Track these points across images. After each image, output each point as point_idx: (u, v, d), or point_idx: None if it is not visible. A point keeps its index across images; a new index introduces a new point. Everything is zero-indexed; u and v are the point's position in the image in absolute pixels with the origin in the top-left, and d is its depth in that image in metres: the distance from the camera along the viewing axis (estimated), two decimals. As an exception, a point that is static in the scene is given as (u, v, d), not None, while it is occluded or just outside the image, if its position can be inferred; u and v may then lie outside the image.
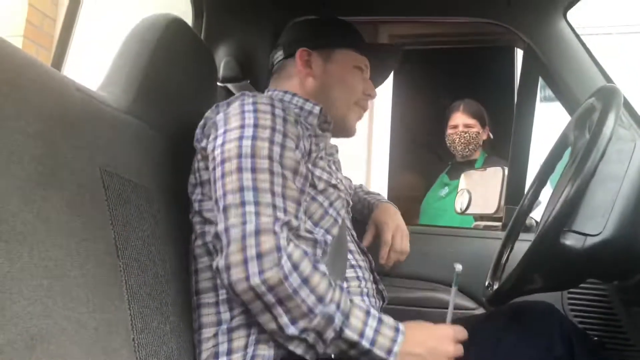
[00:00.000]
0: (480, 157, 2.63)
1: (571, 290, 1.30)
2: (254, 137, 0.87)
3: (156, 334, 0.75)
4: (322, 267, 0.85)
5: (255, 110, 0.90)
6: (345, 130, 1.19)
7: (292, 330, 0.80)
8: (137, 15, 1.03)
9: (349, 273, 1.03)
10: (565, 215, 0.80)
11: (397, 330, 0.86)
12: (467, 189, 1.72)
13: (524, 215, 1.16)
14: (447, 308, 0.98)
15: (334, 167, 1.10)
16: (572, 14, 1.35)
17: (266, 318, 0.81)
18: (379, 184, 3.04)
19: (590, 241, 0.82)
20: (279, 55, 1.18)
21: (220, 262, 0.80)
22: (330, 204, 1.01)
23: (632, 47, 2.98)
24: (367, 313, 0.85)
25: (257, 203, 0.83)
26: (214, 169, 0.88)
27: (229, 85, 1.41)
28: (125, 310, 0.69)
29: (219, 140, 0.89)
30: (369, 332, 0.84)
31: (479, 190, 1.69)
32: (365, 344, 0.82)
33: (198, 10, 1.44)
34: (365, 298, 1.04)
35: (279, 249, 0.80)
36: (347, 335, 0.82)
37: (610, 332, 1.26)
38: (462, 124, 2.59)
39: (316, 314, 0.80)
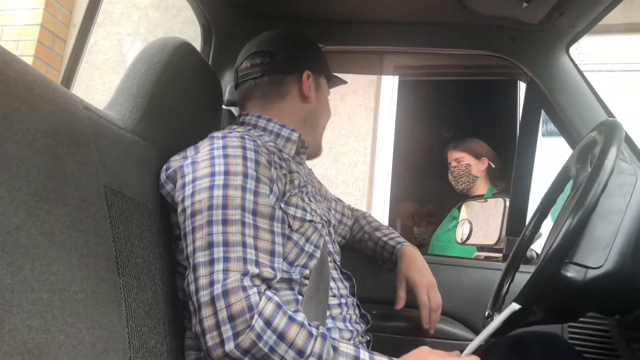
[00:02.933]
0: (488, 192, 2.64)
1: (572, 323, 1.29)
2: (225, 186, 0.84)
3: (152, 353, 0.74)
4: (300, 316, 0.80)
5: (226, 156, 0.88)
6: (316, 154, 1.21)
7: None
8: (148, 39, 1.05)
9: (331, 300, 1.01)
10: (566, 247, 0.80)
11: None
12: (469, 219, 1.72)
13: (524, 247, 1.15)
14: (445, 338, 0.96)
15: (307, 199, 1.04)
16: (576, 52, 1.37)
17: None
18: (380, 211, 3.04)
19: (592, 274, 0.82)
20: (275, 66, 1.11)
21: (196, 326, 0.77)
22: (307, 240, 0.99)
23: (634, 84, 3.01)
24: (356, 358, 0.81)
25: (226, 259, 0.79)
26: (185, 221, 0.84)
27: (233, 109, 1.43)
28: (123, 328, 0.69)
29: (188, 190, 0.86)
30: None
31: (481, 221, 1.69)
32: None
33: (206, 36, 1.46)
34: (349, 324, 1.02)
35: (250, 308, 0.76)
36: None
37: (610, 368, 1.24)
38: (452, 159, 2.69)
39: None
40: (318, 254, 0.99)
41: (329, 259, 1.05)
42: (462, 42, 1.44)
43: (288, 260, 0.95)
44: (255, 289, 0.78)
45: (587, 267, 0.82)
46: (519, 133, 1.51)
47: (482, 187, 2.65)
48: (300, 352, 0.77)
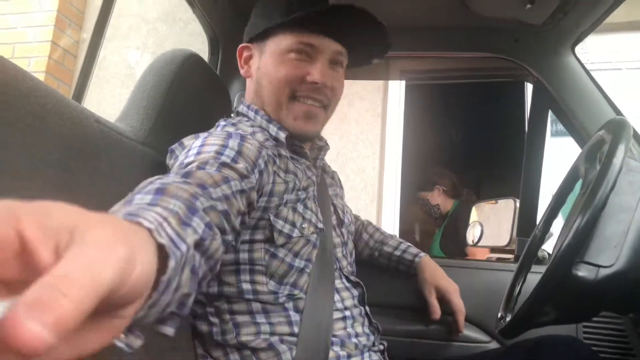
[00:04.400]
0: (453, 206, 3.20)
1: (586, 323, 1.28)
2: (199, 153, 0.76)
3: None
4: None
5: (206, 139, 0.82)
6: (298, 136, 1.00)
7: None
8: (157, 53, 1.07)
9: (334, 315, 0.95)
10: (577, 246, 0.80)
11: None
12: (480, 221, 1.72)
13: (536, 247, 1.15)
14: (459, 341, 0.96)
15: (301, 209, 0.95)
16: (582, 52, 1.37)
17: None
18: (390, 217, 3.04)
19: (603, 272, 0.82)
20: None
21: None
22: (295, 255, 0.92)
23: (640, 81, 3.00)
24: None
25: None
26: None
27: (242, 118, 1.45)
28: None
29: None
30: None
31: (492, 223, 1.69)
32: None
33: (214, 47, 1.48)
34: (354, 339, 0.96)
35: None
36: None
37: (627, 367, 1.23)
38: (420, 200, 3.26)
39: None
40: (309, 269, 0.93)
41: (335, 266, 1.00)
42: (467, 45, 1.45)
43: (275, 278, 0.90)
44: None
45: (599, 266, 0.82)
46: (527, 133, 1.51)
47: (447, 206, 3.22)
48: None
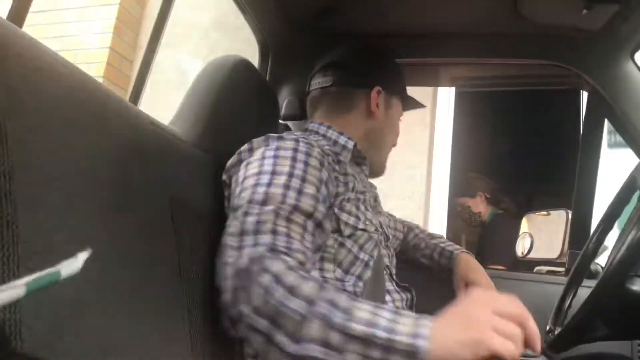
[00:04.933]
0: (490, 215, 3.11)
1: (641, 341, 1.23)
2: (269, 184, 0.83)
3: (213, 356, 0.77)
4: (314, 274, 0.77)
5: (276, 157, 0.87)
6: (378, 173, 1.20)
7: (293, 347, 0.65)
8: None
9: None
10: (632, 259, 0.78)
11: (419, 318, 0.66)
12: (530, 232, 1.68)
13: (588, 260, 1.11)
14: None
15: (362, 208, 1.02)
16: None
17: (260, 341, 0.68)
18: (437, 227, 3.00)
19: (659, 288, 0.79)
20: (346, 78, 1.13)
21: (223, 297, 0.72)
22: (360, 248, 0.97)
23: None
24: (376, 306, 0.67)
25: (255, 244, 0.74)
26: (228, 217, 0.83)
27: (289, 123, 1.47)
28: (185, 332, 0.72)
29: (236, 190, 0.86)
30: (382, 321, 0.64)
31: (542, 234, 1.64)
32: (382, 333, 0.62)
33: (264, 53, 1.51)
34: None
35: (266, 268, 0.69)
36: (355, 330, 0.63)
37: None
38: (457, 207, 3.16)
39: (309, 318, 0.65)
40: (372, 262, 0.98)
41: (386, 271, 1.04)
42: (521, 52, 1.42)
43: (343, 267, 0.95)
44: (280, 255, 0.72)
45: (655, 281, 0.79)
46: (581, 143, 1.46)
47: (487, 213, 3.13)
48: (310, 302, 0.66)
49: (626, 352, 1.22)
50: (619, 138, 2.88)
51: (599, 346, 1.00)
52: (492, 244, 2.93)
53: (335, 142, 1.09)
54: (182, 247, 0.78)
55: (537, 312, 1.27)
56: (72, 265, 0.37)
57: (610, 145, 2.85)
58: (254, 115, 1.15)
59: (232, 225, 0.79)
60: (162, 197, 0.77)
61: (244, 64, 1.11)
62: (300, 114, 1.44)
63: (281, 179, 0.84)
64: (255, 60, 1.46)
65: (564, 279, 1.17)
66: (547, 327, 1.03)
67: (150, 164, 0.77)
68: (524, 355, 1.27)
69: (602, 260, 1.20)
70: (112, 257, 0.61)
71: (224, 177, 0.94)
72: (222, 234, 0.80)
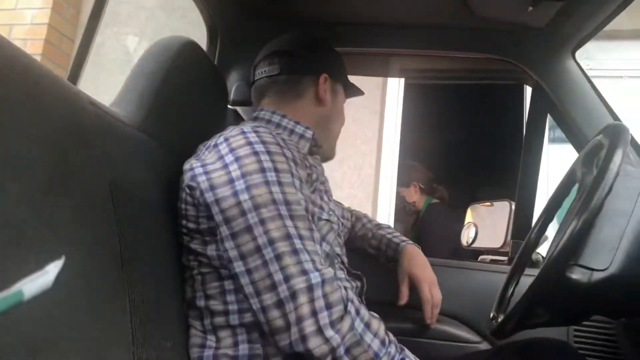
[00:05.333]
0: (425, 204, 3.13)
1: (577, 327, 1.28)
2: (280, 183, 0.85)
3: (157, 349, 0.74)
4: (373, 313, 0.87)
5: (269, 152, 0.87)
6: (330, 157, 1.21)
7: None
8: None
9: None
10: (572, 248, 0.80)
11: None
12: (474, 222, 1.72)
13: (530, 250, 1.15)
14: (450, 340, 0.97)
15: (325, 198, 1.06)
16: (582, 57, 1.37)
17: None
18: (385, 216, 3.04)
19: (597, 276, 0.81)
20: (293, 66, 1.12)
21: (288, 315, 0.78)
22: (322, 239, 0.97)
23: (640, 90, 3.01)
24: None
25: (307, 251, 0.82)
26: (242, 215, 0.82)
27: (238, 108, 1.44)
28: (127, 323, 0.69)
29: (240, 185, 0.83)
30: None
31: (486, 224, 1.69)
32: None
33: (213, 36, 1.47)
34: None
35: (345, 297, 0.81)
36: None
37: (616, 373, 1.23)
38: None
39: (381, 357, 0.81)
40: (332, 253, 0.99)
41: (336, 260, 1.05)
42: (468, 45, 1.44)
43: None
44: (339, 281, 0.83)
45: (593, 270, 0.82)
46: (525, 137, 1.51)
47: (421, 203, 3.14)
48: (382, 342, 0.82)
49: (563, 337, 1.27)
50: (559, 133, 3.00)
51: (539, 332, 1.03)
52: (426, 234, 2.96)
53: (292, 132, 1.08)
54: (124, 234, 0.74)
55: (481, 299, 1.31)
56: (39, 282, 0.30)
57: (551, 141, 2.96)
58: (201, 99, 1.11)
59: (271, 226, 0.82)
60: (103, 182, 0.73)
61: (192, 46, 1.06)
62: (249, 100, 1.41)
63: (287, 178, 0.88)
64: (203, 43, 1.42)
65: (507, 268, 1.20)
66: (491, 314, 1.05)
67: (89, 146, 0.72)
68: (468, 342, 1.31)
69: (542, 250, 1.24)
70: (47, 245, 0.57)
71: (194, 170, 0.89)
72: (245, 236, 0.82)
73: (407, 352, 0.86)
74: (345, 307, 0.80)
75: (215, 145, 0.91)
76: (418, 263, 1.23)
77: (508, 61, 1.42)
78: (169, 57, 0.99)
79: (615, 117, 1.30)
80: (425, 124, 3.70)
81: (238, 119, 1.45)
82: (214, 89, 1.18)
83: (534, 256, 1.28)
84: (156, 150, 0.94)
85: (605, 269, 0.81)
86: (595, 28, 1.26)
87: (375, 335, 0.82)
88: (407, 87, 3.20)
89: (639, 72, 3.04)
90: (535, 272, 0.88)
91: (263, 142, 0.88)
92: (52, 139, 0.63)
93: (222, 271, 0.87)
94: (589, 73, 1.37)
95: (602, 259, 0.82)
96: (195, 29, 1.50)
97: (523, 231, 1.35)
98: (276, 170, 0.86)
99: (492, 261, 1.52)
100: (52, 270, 0.31)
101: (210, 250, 0.87)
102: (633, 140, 1.19)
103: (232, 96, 1.41)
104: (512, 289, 1.06)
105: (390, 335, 0.86)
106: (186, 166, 0.91)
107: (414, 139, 3.38)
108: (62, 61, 3.01)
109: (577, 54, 1.37)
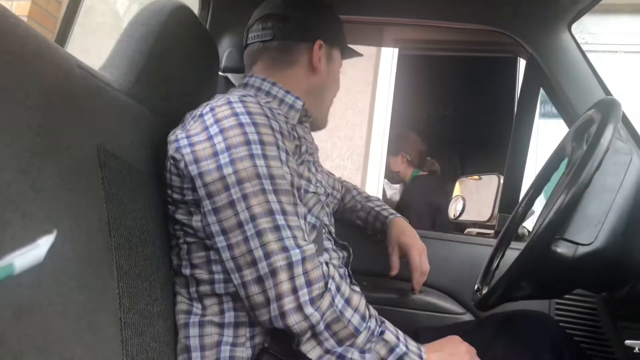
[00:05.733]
0: (411, 175, 3.11)
1: (558, 300, 1.30)
2: (265, 157, 0.83)
3: (143, 315, 0.74)
4: (355, 286, 0.87)
5: (255, 124, 0.85)
6: (321, 126, 1.18)
7: (338, 350, 0.81)
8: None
9: None
10: (558, 222, 0.81)
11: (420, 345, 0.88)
12: (462, 195, 1.73)
13: (516, 224, 1.16)
14: (435, 312, 0.98)
15: (313, 169, 1.04)
16: (578, 31, 1.36)
17: (310, 345, 0.81)
18: (374, 187, 3.05)
19: (582, 250, 0.83)
20: (287, 31, 1.07)
21: (267, 292, 0.78)
22: (309, 211, 0.97)
23: (637, 66, 3.00)
24: (397, 335, 0.87)
25: (290, 227, 0.81)
26: (226, 188, 0.81)
27: (230, 76, 1.42)
28: (114, 288, 0.69)
29: (224, 158, 0.82)
30: (403, 337, 0.85)
31: (474, 198, 1.70)
32: (402, 347, 0.83)
33: (205, 1, 1.44)
34: None
35: (325, 274, 0.81)
36: (387, 338, 0.83)
37: (595, 344, 1.26)
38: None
39: (361, 331, 0.81)
40: (318, 224, 0.98)
41: (324, 230, 1.05)
42: (463, 16, 1.42)
43: None
44: (320, 258, 0.83)
45: (578, 244, 0.83)
46: (517, 110, 1.50)
47: (407, 175, 3.11)
48: (363, 317, 0.83)
49: (545, 310, 1.29)
50: (549, 108, 3.00)
51: (521, 305, 1.05)
52: (406, 205, 2.96)
53: (282, 101, 1.05)
54: (112, 199, 0.74)
55: (466, 272, 1.33)
56: (30, 256, 0.30)
57: (542, 116, 2.96)
58: (192, 65, 1.09)
59: (253, 201, 0.81)
60: (90, 146, 0.72)
61: (183, 10, 1.04)
62: (241, 67, 1.39)
63: (273, 151, 0.86)
64: (195, 8, 1.39)
65: (493, 241, 1.21)
66: (476, 286, 1.07)
67: (77, 109, 0.71)
68: (452, 313, 1.33)
69: (528, 224, 1.25)
70: (33, 208, 0.57)
71: (179, 141, 0.87)
72: (228, 210, 0.81)
73: (387, 324, 0.86)
74: (326, 284, 0.80)
75: (201, 115, 0.89)
76: (407, 234, 1.24)
77: (503, 33, 1.40)
78: (159, 22, 0.97)
79: (608, 92, 1.30)
80: (418, 96, 3.69)
81: (229, 86, 1.43)
82: (204, 54, 1.16)
83: (520, 230, 1.29)
84: (144, 115, 0.93)
85: (590, 244, 0.83)
86: (593, 1, 1.25)
87: (356, 310, 0.82)
88: (401, 59, 3.18)
89: (635, 47, 3.03)
90: (521, 245, 0.89)
91: (249, 113, 0.86)
92: (38, 101, 0.62)
93: (207, 242, 0.87)
94: (585, 47, 1.36)
95: (588, 233, 0.83)
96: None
97: (510, 205, 1.36)
98: (261, 142, 0.84)
99: (479, 234, 1.53)
100: (43, 244, 0.30)
101: (196, 222, 0.87)
102: (624, 116, 1.19)
103: (223, 63, 1.39)
104: (497, 261, 1.07)
105: (371, 309, 0.86)
106: (171, 137, 0.89)
107: (406, 110, 3.37)
108: (48, 23, 2.93)
109: (573, 27, 1.36)
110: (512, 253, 0.98)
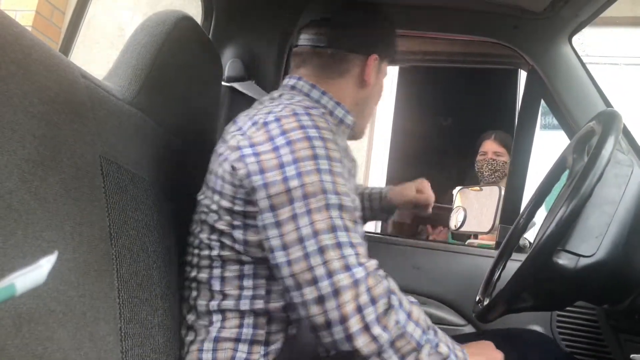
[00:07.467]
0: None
1: (560, 312, 1.30)
2: (331, 172, 0.81)
3: (143, 326, 0.74)
4: (410, 298, 0.84)
5: (322, 138, 0.83)
6: (359, 137, 1.15)
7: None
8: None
9: None
10: (560, 234, 0.81)
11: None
12: (463, 207, 1.73)
13: (518, 235, 1.16)
14: (436, 323, 0.97)
15: (352, 183, 1.01)
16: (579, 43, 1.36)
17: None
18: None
19: (583, 262, 0.83)
20: (343, 40, 1.03)
21: (328, 314, 0.75)
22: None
23: (637, 78, 3.01)
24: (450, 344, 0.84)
25: (352, 244, 0.78)
26: (291, 202, 0.79)
27: (236, 84, 1.42)
28: (114, 298, 0.69)
29: (290, 171, 0.80)
30: (451, 345, 0.82)
31: (475, 209, 1.69)
32: (453, 357, 0.80)
33: (208, 11, 1.45)
34: None
35: (388, 289, 0.78)
36: (441, 350, 0.80)
37: (597, 357, 1.25)
38: (491, 151, 2.60)
39: (422, 345, 0.78)
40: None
41: None
42: (465, 28, 1.43)
43: None
44: (382, 272, 0.80)
45: (579, 255, 0.83)
46: (517, 122, 1.51)
47: (503, 181, 2.77)
48: (423, 330, 0.79)
49: (546, 322, 1.29)
50: (550, 120, 3.01)
51: (522, 316, 1.05)
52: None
53: (332, 113, 1.01)
54: (113, 208, 0.74)
55: (467, 283, 1.33)
56: (32, 277, 0.30)
57: (543, 127, 2.97)
58: (195, 75, 1.10)
59: (316, 217, 0.79)
60: (92, 155, 0.72)
61: (187, 21, 1.05)
62: (244, 76, 1.39)
63: (338, 167, 0.85)
64: (198, 19, 1.40)
65: (494, 252, 1.21)
66: (477, 298, 1.06)
67: (80, 119, 0.71)
68: (453, 325, 1.32)
69: (530, 235, 1.25)
70: (35, 217, 0.57)
71: (242, 150, 0.85)
72: (289, 224, 0.79)
73: (440, 334, 0.83)
74: (390, 299, 0.77)
75: (265, 124, 0.85)
76: (407, 186, 1.33)
77: (504, 45, 1.41)
78: (163, 32, 0.97)
79: (608, 104, 1.31)
80: (418, 108, 3.69)
81: (232, 95, 1.43)
82: (208, 64, 1.16)
83: (521, 241, 1.29)
84: (148, 124, 0.93)
85: (591, 255, 0.82)
86: (593, 13, 1.26)
87: (417, 324, 0.79)
88: (401, 70, 3.19)
89: (636, 60, 3.04)
90: (522, 257, 0.89)
91: (317, 127, 0.84)
92: (42, 110, 0.62)
93: (243, 257, 0.86)
94: (585, 59, 1.37)
95: (589, 245, 0.83)
96: (190, 4, 1.48)
97: (512, 216, 1.36)
98: (328, 158, 0.82)
99: (480, 245, 1.53)
100: (45, 264, 0.30)
101: (237, 233, 0.85)
102: (625, 128, 1.20)
103: (226, 73, 1.40)
104: (498, 273, 1.07)
105: (428, 319, 0.83)
106: (232, 142, 0.86)
107: (406, 122, 3.38)
108: (52, 34, 2.96)
109: (574, 40, 1.37)
110: (514, 264, 0.98)
